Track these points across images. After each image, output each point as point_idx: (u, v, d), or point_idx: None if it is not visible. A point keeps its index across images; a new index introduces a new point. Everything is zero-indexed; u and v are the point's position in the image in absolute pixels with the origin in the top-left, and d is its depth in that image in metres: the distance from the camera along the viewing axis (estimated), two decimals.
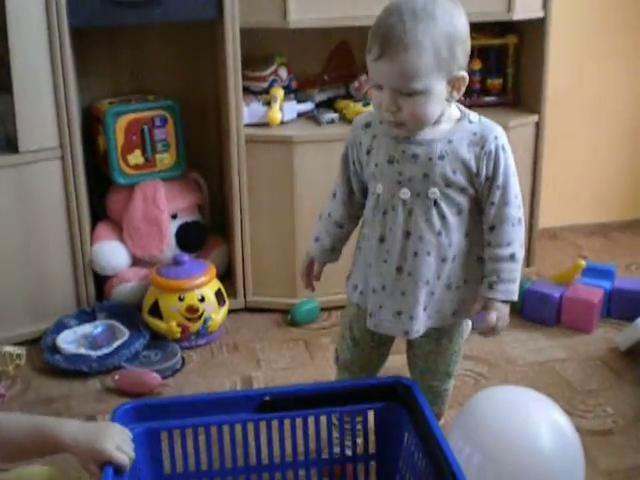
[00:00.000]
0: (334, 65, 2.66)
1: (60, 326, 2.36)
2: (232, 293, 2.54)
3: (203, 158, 2.68)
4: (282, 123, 2.48)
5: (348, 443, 1.70)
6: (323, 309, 2.54)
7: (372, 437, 1.70)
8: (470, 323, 2.19)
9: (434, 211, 1.56)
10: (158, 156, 2.49)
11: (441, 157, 1.54)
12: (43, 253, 2.36)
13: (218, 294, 2.42)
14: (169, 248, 2.50)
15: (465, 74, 1.50)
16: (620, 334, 2.33)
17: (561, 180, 3.10)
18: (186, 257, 2.42)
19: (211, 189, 2.67)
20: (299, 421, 1.65)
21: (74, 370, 2.20)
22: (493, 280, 1.59)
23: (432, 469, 1.45)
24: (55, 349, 2.27)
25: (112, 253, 2.46)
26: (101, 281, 2.51)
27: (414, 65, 1.43)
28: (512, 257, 1.58)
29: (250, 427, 1.63)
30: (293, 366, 2.27)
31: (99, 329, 2.33)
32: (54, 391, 2.16)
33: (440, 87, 1.48)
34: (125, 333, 2.32)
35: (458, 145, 1.54)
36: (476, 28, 2.19)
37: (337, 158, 2.38)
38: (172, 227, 2.52)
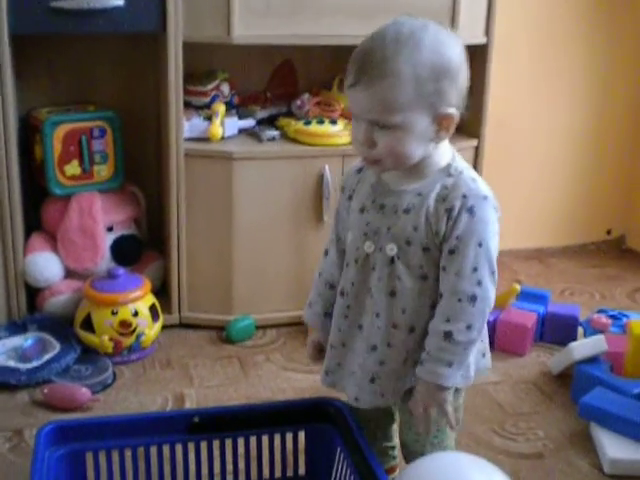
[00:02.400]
0: (277, 83, 2.66)
1: None
2: (167, 308, 2.50)
3: (142, 171, 2.65)
4: (223, 139, 2.46)
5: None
6: (259, 327, 2.52)
7: (302, 458, 1.70)
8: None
9: (389, 269, 1.39)
10: (96, 167, 2.46)
11: (406, 211, 1.37)
12: None
13: (152, 309, 2.39)
14: (104, 261, 2.47)
15: (454, 112, 1.32)
16: (552, 358, 2.36)
17: (498, 206, 3.13)
18: (121, 271, 2.38)
19: (149, 203, 2.64)
20: (229, 442, 1.63)
21: (2, 383, 2.15)
22: (423, 356, 1.38)
23: None
24: None
25: (45, 264, 2.41)
26: (33, 293, 2.46)
27: (391, 96, 1.27)
28: (447, 335, 1.34)
29: (178, 448, 1.61)
30: (226, 384, 2.24)
31: (29, 342, 2.28)
32: None
33: (422, 124, 1.31)
34: (56, 346, 2.28)
35: (426, 198, 1.36)
36: None
37: (277, 175, 2.43)
38: (108, 240, 2.48)
